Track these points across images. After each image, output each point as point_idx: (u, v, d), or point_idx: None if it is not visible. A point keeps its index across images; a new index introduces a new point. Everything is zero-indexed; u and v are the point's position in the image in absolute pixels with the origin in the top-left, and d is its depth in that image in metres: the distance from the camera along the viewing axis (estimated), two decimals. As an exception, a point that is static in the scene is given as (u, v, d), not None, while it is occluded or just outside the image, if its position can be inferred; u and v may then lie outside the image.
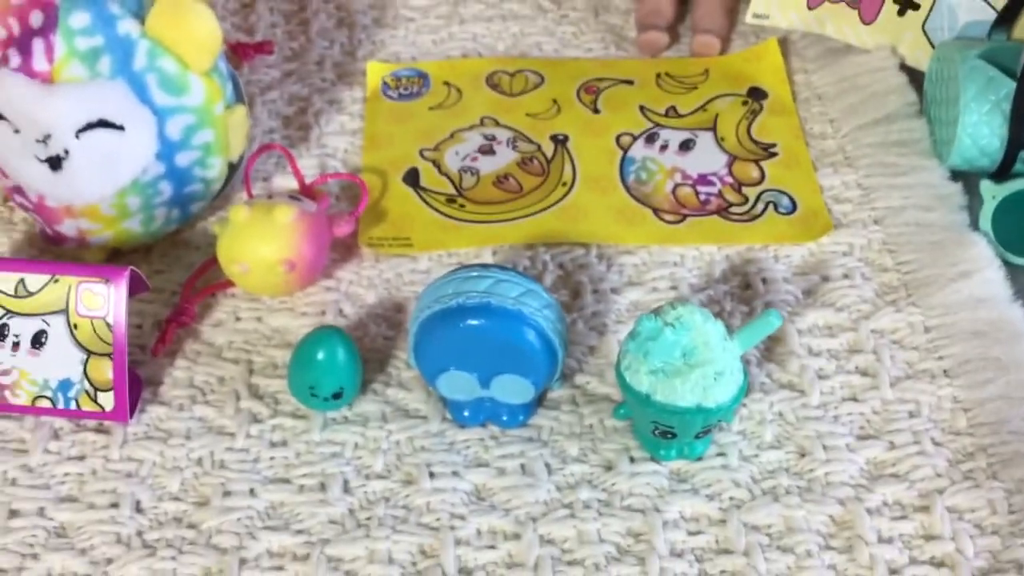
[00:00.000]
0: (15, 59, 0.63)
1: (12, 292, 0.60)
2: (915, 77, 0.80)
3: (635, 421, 0.61)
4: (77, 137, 0.63)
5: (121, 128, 0.64)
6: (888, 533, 0.57)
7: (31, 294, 0.60)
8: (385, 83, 0.83)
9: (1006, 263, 0.69)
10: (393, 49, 0.86)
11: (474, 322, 0.58)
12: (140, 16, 0.64)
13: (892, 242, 0.71)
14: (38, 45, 0.63)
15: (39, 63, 0.62)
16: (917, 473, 0.60)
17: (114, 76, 0.63)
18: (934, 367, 0.65)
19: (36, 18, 0.63)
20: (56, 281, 0.60)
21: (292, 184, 0.74)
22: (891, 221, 0.72)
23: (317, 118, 0.80)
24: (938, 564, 0.56)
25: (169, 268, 0.70)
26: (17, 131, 0.64)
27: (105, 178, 0.65)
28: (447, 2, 0.90)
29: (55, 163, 0.64)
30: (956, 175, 0.74)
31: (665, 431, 0.58)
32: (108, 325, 0.60)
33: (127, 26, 0.63)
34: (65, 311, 0.60)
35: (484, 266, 0.60)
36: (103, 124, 0.63)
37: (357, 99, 0.82)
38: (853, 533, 0.57)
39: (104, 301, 0.60)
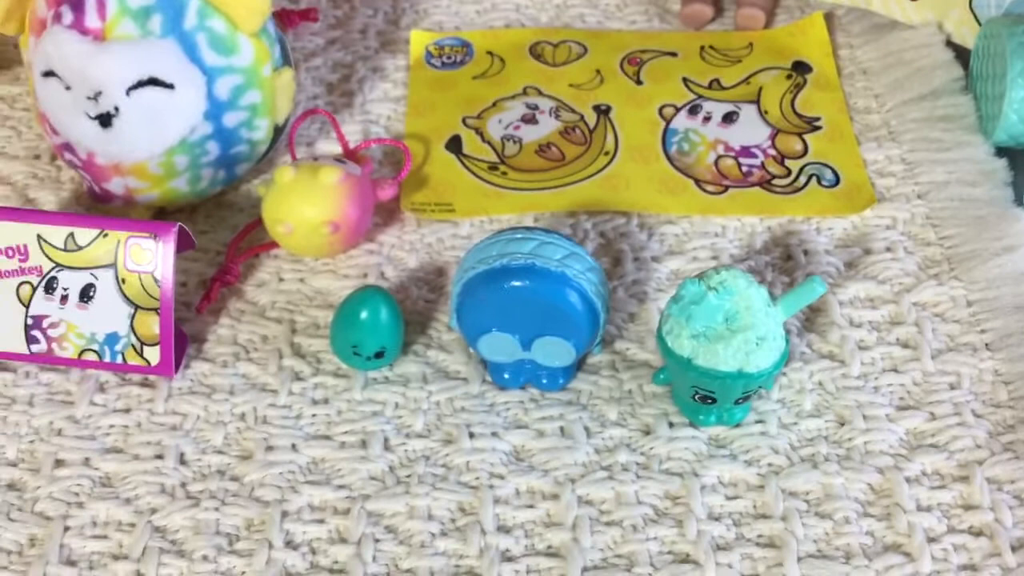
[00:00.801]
0: (68, 16, 0.64)
1: (62, 246, 0.61)
2: (961, 54, 0.80)
3: (675, 386, 0.61)
4: (128, 95, 0.64)
5: (171, 87, 0.64)
6: (927, 502, 0.57)
7: (80, 248, 0.61)
8: (428, 52, 0.83)
9: (1051, 239, 0.69)
10: (436, 18, 0.87)
11: (518, 283, 0.58)
12: (191, -24, 0.65)
13: (935, 216, 0.71)
14: (91, 2, 0.63)
15: (91, 20, 0.63)
16: (957, 444, 0.60)
17: (165, 35, 0.64)
18: (976, 340, 0.64)
19: (89, -24, 0.64)
20: (105, 236, 0.61)
21: (336, 149, 0.75)
22: (935, 195, 0.72)
23: (361, 85, 0.81)
24: (976, 533, 0.56)
25: (213, 228, 0.71)
26: (68, 88, 0.64)
27: (154, 136, 0.65)
28: (491, -27, 0.90)
29: (105, 120, 0.64)
30: (1001, 151, 0.74)
31: (705, 396, 0.59)
32: (156, 280, 0.61)
33: (178, -15, 0.64)
34: (114, 265, 0.61)
35: (529, 228, 0.60)
36: (153, 82, 0.64)
37: (400, 67, 0.83)
38: (891, 501, 0.57)
39: (152, 256, 0.61)
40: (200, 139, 0.67)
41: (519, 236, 0.60)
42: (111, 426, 0.61)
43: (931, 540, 0.56)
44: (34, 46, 0.66)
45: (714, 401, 0.59)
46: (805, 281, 0.59)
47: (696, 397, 0.59)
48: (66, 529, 0.56)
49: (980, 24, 0.79)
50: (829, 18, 0.85)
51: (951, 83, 0.78)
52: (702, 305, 0.57)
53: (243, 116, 0.68)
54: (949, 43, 0.81)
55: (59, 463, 0.59)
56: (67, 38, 0.63)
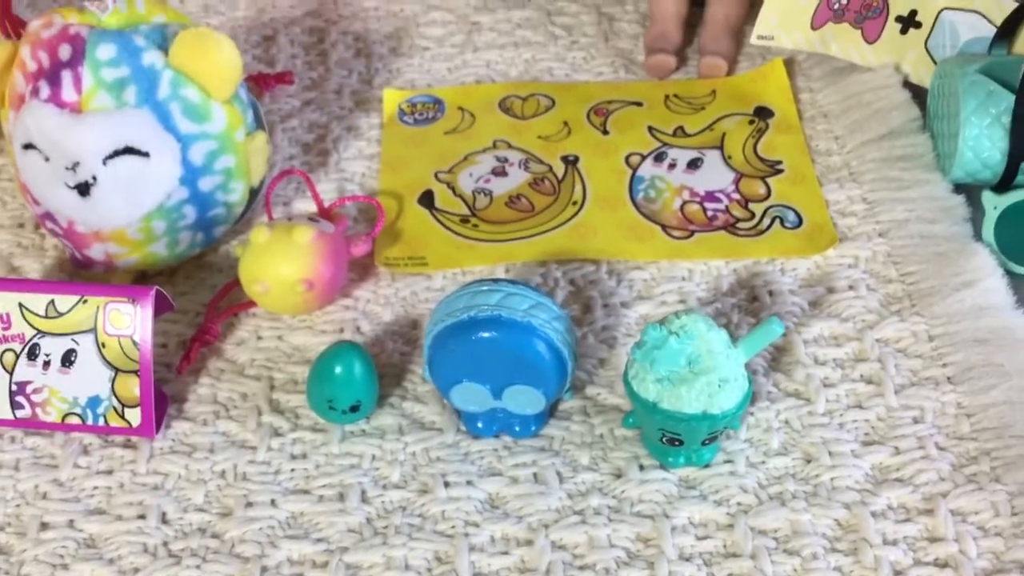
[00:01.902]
0: (45, 90, 0.66)
1: (43, 313, 0.63)
2: (918, 94, 0.82)
3: (643, 429, 0.63)
4: (105, 164, 0.66)
5: (147, 155, 0.66)
6: (893, 536, 0.59)
7: (61, 315, 0.63)
8: (401, 109, 0.85)
9: (1008, 272, 0.71)
10: (409, 77, 0.89)
11: (485, 334, 0.59)
12: (164, 48, 0.67)
13: (896, 254, 0.73)
14: (67, 77, 0.65)
15: (68, 94, 0.65)
16: (921, 477, 0.61)
17: (140, 105, 0.66)
18: (938, 374, 0.66)
19: (64, 51, 0.66)
20: (85, 302, 0.63)
21: (312, 208, 0.77)
22: (895, 233, 0.74)
23: (335, 144, 0.83)
24: (942, 565, 0.57)
25: (193, 290, 0.73)
26: (47, 159, 0.66)
27: (132, 203, 0.67)
28: (461, 31, 0.93)
29: (84, 189, 0.66)
30: (959, 188, 0.76)
31: (672, 438, 0.60)
32: (135, 343, 0.62)
33: (151, 57, 0.66)
34: (94, 330, 0.63)
35: (494, 280, 0.62)
36: (129, 151, 0.66)
37: (374, 125, 0.85)
38: (858, 536, 0.59)
39: (131, 320, 0.62)
40: (177, 204, 0.69)
41: (485, 288, 0.61)
42: (95, 488, 0.62)
43: (897, 573, 0.57)
44: (13, 120, 0.68)
45: (681, 443, 0.60)
46: (764, 322, 0.60)
47: (664, 440, 0.61)
48: (51, 591, 0.58)
49: (936, 64, 0.82)
50: (789, 63, 0.87)
51: (909, 123, 0.80)
52: (664, 349, 0.59)
53: (218, 180, 0.70)
54: (907, 83, 0.83)
55: (44, 526, 0.61)
56: (45, 112, 0.66)
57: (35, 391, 0.63)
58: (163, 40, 0.68)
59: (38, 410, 0.64)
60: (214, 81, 0.67)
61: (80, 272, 0.72)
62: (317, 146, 0.83)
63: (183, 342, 0.70)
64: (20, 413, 0.64)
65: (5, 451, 0.64)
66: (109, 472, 0.63)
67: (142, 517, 0.61)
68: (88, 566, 0.59)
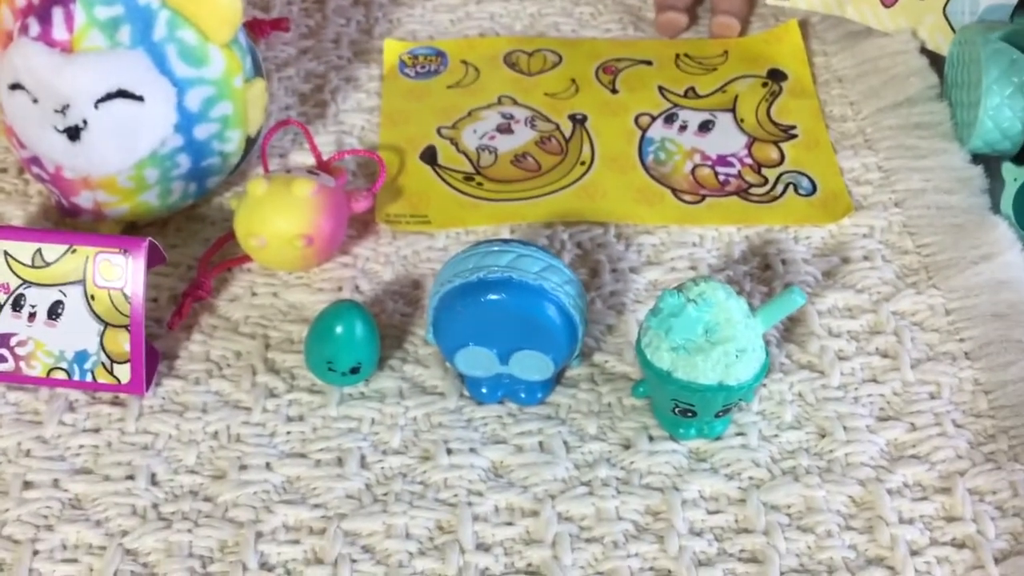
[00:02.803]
0: (35, 27, 0.62)
1: (29, 262, 0.60)
2: (935, 61, 0.80)
3: (655, 399, 0.60)
4: (96, 107, 0.63)
5: (140, 99, 0.63)
6: (909, 514, 0.57)
7: (48, 264, 0.60)
8: (402, 61, 0.82)
9: (1027, 246, 0.69)
10: (410, 27, 0.86)
11: (495, 296, 0.57)
12: (160, -14, 0.64)
13: (913, 224, 0.71)
14: (58, 14, 0.62)
15: (59, 32, 0.62)
16: (938, 455, 0.59)
17: (134, 46, 0.63)
18: (955, 349, 0.64)
19: (55, -13, 0.63)
20: (73, 251, 0.60)
21: (309, 160, 0.74)
22: (912, 203, 0.72)
23: (334, 95, 0.80)
24: (959, 545, 0.56)
25: (185, 243, 0.70)
26: (35, 101, 0.63)
27: (124, 149, 0.64)
28: (464, -19, 0.90)
29: (73, 133, 0.63)
30: (977, 158, 0.74)
31: (685, 409, 0.58)
32: (126, 296, 0.60)
33: (147, -4, 0.63)
34: (82, 282, 0.60)
35: (505, 241, 0.60)
36: (122, 94, 0.63)
37: (374, 77, 0.82)
38: (874, 514, 0.57)
39: (122, 272, 0.60)
40: (171, 152, 0.66)
41: (496, 249, 0.59)
42: (81, 446, 0.60)
43: (914, 553, 0.55)
44: (0, 58, 0.65)
45: (694, 414, 0.58)
46: (784, 292, 0.58)
47: (676, 410, 0.58)
48: (35, 553, 0.55)
49: (954, 31, 0.79)
50: (804, 25, 0.85)
51: (926, 90, 0.78)
52: (681, 317, 0.56)
53: (214, 128, 0.67)
54: (923, 50, 0.81)
55: (27, 485, 0.58)
56: (34, 50, 0.62)
57: (19, 344, 0.60)
58: (159, -22, 0.65)
59: (22, 364, 0.61)
60: (213, 23, 0.64)
61: (66, 221, 0.69)
62: (314, 96, 0.80)
63: (174, 296, 0.67)
64: (3, 366, 0.61)
65: (-13, 406, 0.61)
66: (96, 430, 0.60)
67: (131, 478, 0.58)
68: (73, 527, 0.56)
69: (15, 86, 0.64)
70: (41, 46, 0.62)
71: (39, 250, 0.60)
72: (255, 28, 0.82)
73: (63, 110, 0.63)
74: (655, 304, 0.58)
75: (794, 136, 0.76)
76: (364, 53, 0.84)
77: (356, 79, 0.81)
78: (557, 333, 0.58)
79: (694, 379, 0.56)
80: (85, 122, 0.63)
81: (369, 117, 0.78)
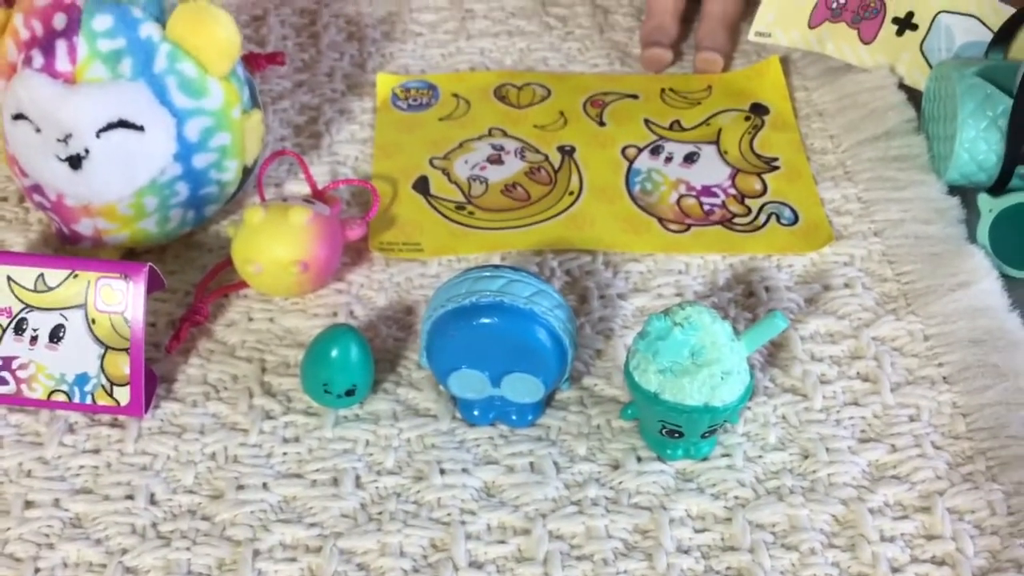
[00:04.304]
0: (38, 59, 0.64)
1: (32, 287, 0.61)
2: (912, 96, 0.82)
3: (642, 421, 0.62)
4: (98, 136, 0.64)
5: (141, 129, 0.65)
6: (890, 532, 0.58)
7: (50, 289, 0.61)
8: (395, 94, 0.84)
9: (1002, 275, 0.71)
10: (402, 62, 0.88)
11: (487, 320, 0.59)
12: (161, 20, 0.66)
13: (892, 253, 0.73)
14: (61, 46, 0.64)
15: (62, 64, 0.64)
16: (918, 475, 0.61)
17: (135, 78, 0.65)
18: (934, 373, 0.66)
19: (59, 20, 0.64)
20: (75, 276, 0.61)
21: (304, 190, 0.76)
22: (891, 233, 0.74)
23: (328, 127, 0.82)
24: (939, 563, 0.57)
25: (182, 269, 0.71)
26: (38, 130, 0.65)
27: (124, 178, 0.66)
28: (455, 18, 0.92)
29: (75, 162, 0.65)
30: (954, 190, 0.76)
31: (672, 430, 0.60)
32: (126, 320, 0.61)
33: (148, 29, 0.65)
34: (84, 306, 0.61)
35: (496, 267, 0.61)
36: (123, 124, 0.64)
37: (367, 109, 0.84)
38: (856, 532, 0.58)
39: (123, 297, 0.61)
40: (170, 180, 0.67)
41: (487, 274, 0.61)
42: (81, 467, 0.61)
43: (895, 570, 0.57)
44: (3, 89, 0.66)
45: (681, 435, 0.60)
46: (767, 316, 0.60)
47: (663, 431, 0.60)
48: (36, 571, 0.56)
49: (931, 67, 0.82)
50: (785, 62, 0.87)
51: (904, 124, 0.80)
52: (668, 340, 0.58)
53: (213, 158, 0.68)
54: (901, 85, 0.83)
55: (29, 504, 0.59)
56: (38, 81, 0.64)
57: (21, 367, 0.62)
58: (160, 12, 0.67)
59: (23, 386, 0.62)
60: (212, 56, 0.66)
61: (66, 248, 0.71)
62: (309, 128, 0.82)
63: (172, 321, 0.68)
64: (4, 389, 0.62)
65: (-12, 427, 0.62)
66: (96, 451, 0.61)
67: (130, 497, 0.59)
68: (74, 546, 0.57)
69: (18, 116, 0.65)
70: (45, 77, 0.64)
71: (41, 275, 0.61)
72: (251, 62, 0.84)
73: (65, 139, 0.64)
74: (643, 328, 0.60)
75: (776, 168, 0.79)
76: (357, 86, 0.86)
77: (350, 111, 0.83)
78: (547, 356, 0.60)
79: (681, 400, 0.58)
80: (87, 151, 0.64)
81: (363, 148, 0.80)
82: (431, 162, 0.79)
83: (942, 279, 0.71)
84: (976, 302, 0.69)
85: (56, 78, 0.64)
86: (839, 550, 0.58)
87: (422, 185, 0.77)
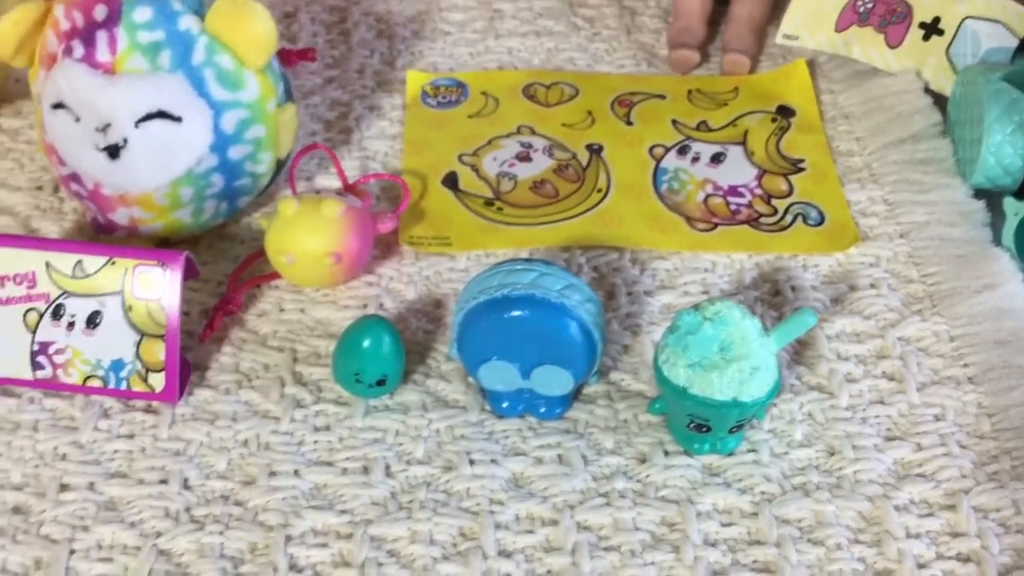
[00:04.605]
0: (79, 50, 0.65)
1: (70, 273, 0.62)
2: (938, 100, 0.83)
3: (670, 415, 0.63)
4: (136, 127, 0.65)
5: (179, 120, 0.66)
6: (916, 529, 0.59)
7: (88, 275, 0.62)
8: (424, 91, 0.85)
9: (1028, 278, 0.71)
10: (431, 60, 0.89)
11: (519, 313, 0.59)
12: (200, 13, 0.67)
13: (917, 255, 0.73)
14: (101, 37, 0.65)
15: (102, 54, 0.65)
16: (943, 474, 0.61)
17: (174, 69, 0.65)
18: (959, 374, 0.66)
19: (100, 11, 0.65)
20: (113, 263, 0.62)
21: (334, 184, 0.77)
22: (916, 235, 0.75)
23: (358, 123, 0.83)
24: (964, 560, 0.58)
25: (215, 259, 0.72)
26: (78, 119, 0.66)
27: (161, 168, 0.67)
28: (483, 17, 0.93)
29: (113, 152, 0.66)
30: (979, 193, 0.77)
31: (700, 424, 0.60)
32: (162, 307, 0.62)
33: (188, 22, 0.66)
34: (121, 292, 0.62)
35: (528, 260, 0.62)
36: (161, 115, 0.65)
37: (396, 106, 0.84)
38: (881, 528, 0.59)
39: (159, 284, 0.62)
40: (206, 171, 0.68)
41: (519, 267, 0.61)
42: (115, 451, 0.62)
43: (921, 566, 0.57)
44: (44, 79, 0.67)
45: (709, 430, 0.61)
46: (797, 313, 0.61)
47: (691, 426, 0.61)
48: (72, 552, 0.57)
49: (956, 72, 0.82)
50: (812, 65, 0.88)
51: (930, 127, 0.81)
52: (698, 335, 0.59)
53: (248, 150, 0.69)
54: (926, 89, 0.84)
55: (64, 487, 0.60)
56: (78, 71, 0.65)
57: (57, 352, 0.63)
58: (199, 5, 0.67)
59: (59, 371, 0.63)
60: (249, 49, 0.67)
61: (101, 237, 0.72)
62: (339, 124, 0.83)
63: (205, 311, 0.69)
64: (40, 374, 0.63)
65: (24, 411, 0.63)
66: (130, 436, 0.62)
67: (164, 482, 0.60)
68: (109, 528, 0.58)
69: (58, 105, 0.66)
70: (85, 67, 0.65)
71: (80, 261, 0.62)
72: (283, 58, 0.84)
73: (104, 129, 0.65)
74: (672, 322, 0.60)
75: (802, 169, 0.79)
76: (387, 83, 0.86)
77: (379, 108, 0.84)
78: (578, 349, 0.60)
79: (709, 395, 0.59)
80: (125, 141, 0.65)
81: (392, 144, 0.81)
82: (460, 158, 0.79)
83: (967, 281, 0.71)
84: (1001, 304, 0.69)
85: (96, 68, 0.65)
86: (865, 546, 0.58)
87: (451, 181, 0.78)
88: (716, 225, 0.75)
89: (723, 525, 0.59)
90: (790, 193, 0.77)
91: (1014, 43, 0.81)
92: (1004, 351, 0.67)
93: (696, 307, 0.60)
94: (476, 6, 0.94)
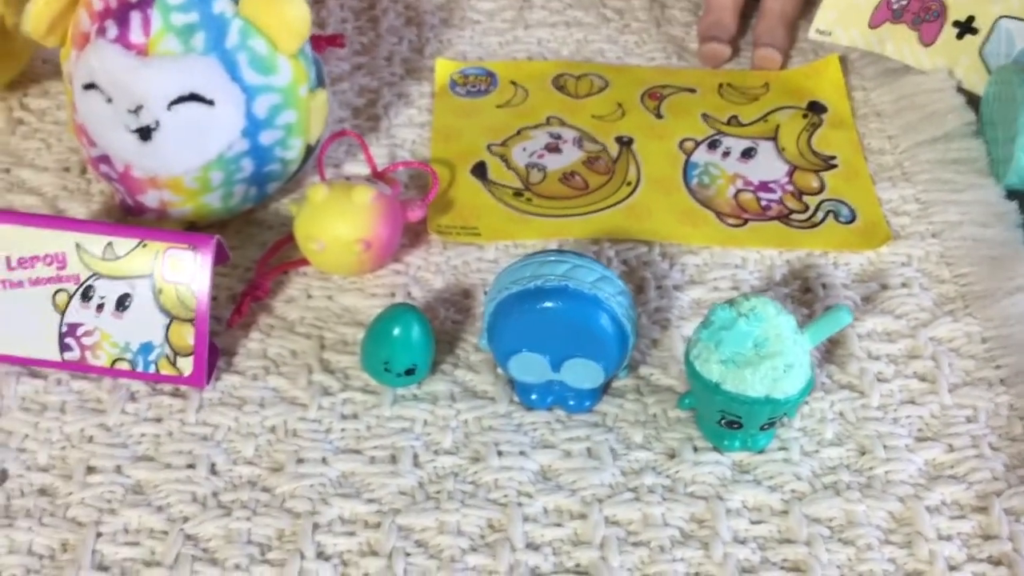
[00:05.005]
0: (112, 30, 0.65)
1: (100, 255, 0.62)
2: (971, 99, 0.82)
3: (701, 411, 0.62)
4: (168, 109, 0.65)
5: (211, 103, 0.65)
6: (947, 531, 0.58)
7: (119, 257, 0.62)
8: (453, 80, 0.85)
9: (1062, 280, 0.71)
10: (460, 48, 0.88)
11: (551, 304, 0.59)
12: (234, -4, 0.66)
13: (949, 255, 0.73)
14: (135, 18, 0.64)
15: (135, 35, 0.64)
16: (975, 475, 0.61)
17: (207, 52, 0.65)
18: (991, 375, 0.66)
19: (134, -8, 0.65)
20: (144, 246, 0.62)
21: (362, 171, 0.76)
22: (949, 235, 0.74)
23: (387, 110, 0.82)
24: (996, 563, 0.57)
25: (243, 245, 0.72)
26: (109, 101, 0.65)
27: (193, 151, 0.66)
28: (513, 7, 0.92)
29: (145, 133, 0.65)
30: (1012, 194, 0.76)
31: (732, 421, 0.60)
32: (192, 291, 0.62)
33: (222, 5, 0.65)
34: (151, 275, 0.62)
35: (561, 251, 0.61)
36: (194, 98, 0.65)
37: (425, 94, 0.84)
38: (913, 529, 0.58)
39: (189, 268, 0.62)
40: (236, 155, 0.68)
41: (552, 259, 0.61)
42: (143, 435, 0.61)
43: (952, 568, 0.57)
44: (76, 59, 0.67)
45: (740, 426, 0.60)
46: (831, 310, 0.60)
47: (722, 422, 0.60)
48: (98, 535, 0.57)
49: (990, 71, 0.82)
50: (843, 61, 0.87)
51: (963, 127, 0.80)
52: (732, 331, 0.58)
53: (278, 135, 0.69)
54: (959, 88, 0.83)
55: (91, 470, 0.60)
56: (111, 52, 0.64)
57: (86, 334, 0.62)
58: (233, -12, 0.67)
59: (87, 353, 0.62)
60: (283, 34, 0.66)
61: (129, 219, 0.71)
62: (367, 111, 0.82)
63: (233, 296, 0.69)
64: (68, 355, 0.63)
65: (51, 392, 0.63)
66: (158, 420, 0.62)
67: (191, 467, 0.60)
68: (135, 512, 0.58)
69: (90, 86, 0.66)
70: (118, 48, 0.64)
71: (110, 243, 0.62)
72: (312, 43, 0.84)
73: (136, 111, 0.65)
74: (706, 317, 0.60)
75: (834, 166, 0.79)
76: (416, 71, 0.86)
77: (408, 95, 0.84)
78: (609, 342, 0.60)
79: (742, 391, 0.58)
80: (157, 123, 0.65)
81: (420, 132, 0.81)
82: (489, 148, 0.79)
83: (1000, 282, 0.70)
84: (1035, 306, 0.69)
85: (129, 49, 0.64)
86: (896, 546, 0.58)
87: (480, 170, 0.77)
88: (747, 220, 0.75)
89: (753, 523, 0.59)
90: (821, 190, 0.77)
91: (1049, 43, 0.80)
92: (1037, 354, 0.66)
93: (730, 302, 0.59)
94: (505, -5, 0.94)
